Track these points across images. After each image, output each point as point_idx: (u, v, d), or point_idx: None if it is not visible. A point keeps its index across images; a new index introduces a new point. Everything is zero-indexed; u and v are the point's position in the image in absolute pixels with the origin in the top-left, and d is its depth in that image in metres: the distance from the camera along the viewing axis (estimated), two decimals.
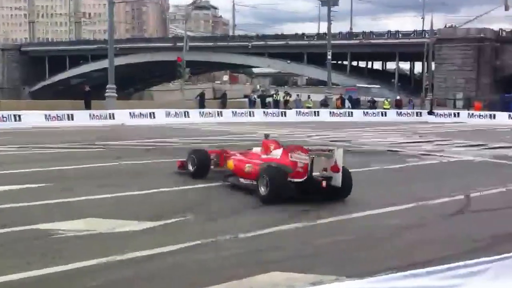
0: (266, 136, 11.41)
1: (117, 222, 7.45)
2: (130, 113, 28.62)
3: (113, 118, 27.58)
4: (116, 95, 31.61)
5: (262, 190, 9.04)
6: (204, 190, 10.02)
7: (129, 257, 5.95)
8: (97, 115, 27.49)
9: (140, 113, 28.98)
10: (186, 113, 30.96)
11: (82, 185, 10.18)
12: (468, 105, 50.45)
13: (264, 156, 10.18)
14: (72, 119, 26.42)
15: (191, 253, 6.22)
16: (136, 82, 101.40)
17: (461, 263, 4.05)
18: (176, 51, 55.67)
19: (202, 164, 11.05)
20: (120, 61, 79.40)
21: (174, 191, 9.91)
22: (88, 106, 30.49)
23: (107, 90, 30.93)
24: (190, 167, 11.18)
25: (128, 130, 24.37)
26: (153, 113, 29.43)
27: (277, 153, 9.89)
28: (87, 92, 32.42)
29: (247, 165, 10.11)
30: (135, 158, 14.26)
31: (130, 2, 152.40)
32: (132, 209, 8.39)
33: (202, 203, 9.00)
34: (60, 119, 26.10)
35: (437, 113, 39.35)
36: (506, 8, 47.86)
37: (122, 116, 27.98)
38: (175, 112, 30.52)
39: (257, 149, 10.76)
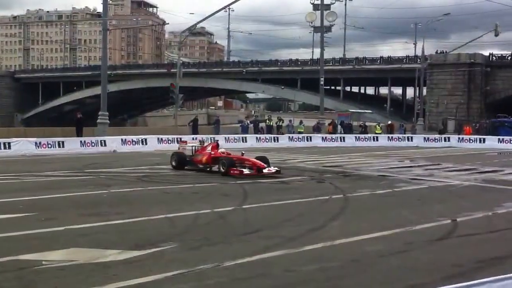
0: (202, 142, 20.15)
1: (100, 252, 7.40)
2: (122, 139, 28.50)
3: (105, 145, 27.47)
4: (108, 121, 31.57)
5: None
6: (191, 217, 9.99)
7: None
8: (88, 142, 27.32)
9: (132, 139, 28.86)
10: (179, 139, 30.88)
11: (67, 214, 10.13)
12: (458, 130, 50.81)
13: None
14: (63, 147, 26.22)
15: (174, 283, 6.19)
16: (130, 108, 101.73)
17: None
18: (170, 77, 55.91)
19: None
20: (115, 87, 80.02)
21: (160, 219, 9.86)
22: (79, 133, 30.45)
23: (99, 117, 30.91)
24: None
25: (120, 157, 24.29)
26: (145, 139, 29.31)
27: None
28: (79, 119, 32.41)
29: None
30: (124, 186, 14.24)
31: (125, 29, 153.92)
32: (116, 238, 8.34)
33: (187, 231, 8.96)
34: (51, 147, 25.86)
35: (428, 137, 39.54)
36: (496, 34, 48.42)
37: (114, 143, 27.87)
38: (167, 139, 30.45)
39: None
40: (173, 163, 18.83)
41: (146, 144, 28.93)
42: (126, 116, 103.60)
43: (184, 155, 18.98)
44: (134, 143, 28.65)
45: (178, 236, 8.52)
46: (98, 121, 30.87)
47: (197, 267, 6.71)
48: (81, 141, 27.45)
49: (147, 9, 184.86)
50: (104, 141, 27.91)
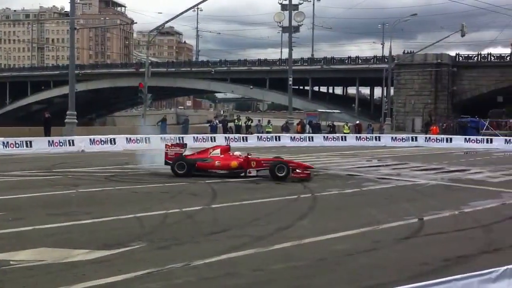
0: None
1: (68, 251, 7.34)
2: (90, 139, 28.16)
3: (73, 145, 27.11)
4: (76, 121, 31.20)
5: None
6: (159, 217, 9.96)
7: None
8: (56, 142, 26.92)
9: (101, 139, 28.54)
10: (147, 139, 30.68)
11: (35, 214, 10.03)
12: (426, 129, 51.61)
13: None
14: (31, 146, 25.79)
15: (143, 282, 6.17)
16: (98, 108, 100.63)
17: (406, 287, 4.13)
18: (139, 76, 55.50)
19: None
20: (83, 86, 78.99)
21: (129, 218, 9.82)
22: (47, 133, 30.01)
23: (67, 116, 30.52)
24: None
25: (88, 157, 24.02)
26: (114, 139, 29.01)
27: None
28: (47, 119, 31.93)
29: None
30: (93, 186, 14.12)
31: (93, 28, 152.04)
32: (85, 238, 8.27)
33: (156, 231, 8.93)
34: (19, 146, 25.41)
35: (396, 137, 40.07)
36: (463, 34, 49.29)
37: (82, 142, 27.53)
38: (136, 138, 30.19)
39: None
40: (178, 170, 16.62)
41: (114, 143, 28.65)
42: (95, 115, 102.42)
43: (192, 160, 16.95)
44: (102, 142, 28.35)
45: (146, 235, 8.49)
46: (66, 120, 30.49)
47: (165, 266, 6.70)
48: (49, 141, 27.04)
49: (115, 8, 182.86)
50: (72, 140, 27.56)
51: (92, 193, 13.04)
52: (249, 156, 17.06)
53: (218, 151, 17.34)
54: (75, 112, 30.77)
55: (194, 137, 33.60)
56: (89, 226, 9.18)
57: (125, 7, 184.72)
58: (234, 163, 16.70)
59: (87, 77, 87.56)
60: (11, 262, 6.75)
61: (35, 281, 6.11)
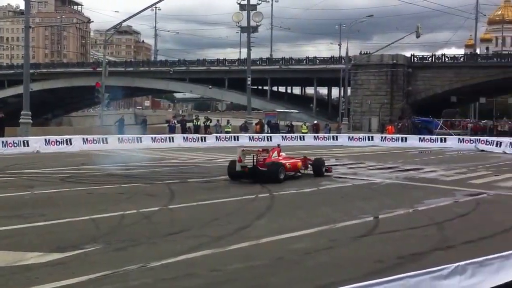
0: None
1: (21, 254, 7.19)
2: (45, 140, 27.56)
3: (28, 146, 26.47)
4: (31, 121, 30.54)
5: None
6: (116, 218, 9.83)
7: None
8: (10, 143, 26.23)
9: (56, 140, 27.95)
10: (105, 139, 30.26)
11: None
12: (382, 129, 52.49)
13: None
14: None
15: (98, 285, 6.09)
16: (54, 108, 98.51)
17: (359, 284, 4.19)
18: (96, 76, 54.61)
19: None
20: (38, 86, 77.26)
21: (84, 220, 9.67)
22: (1, 133, 29.31)
23: (21, 116, 29.87)
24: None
25: (43, 157, 23.53)
26: (70, 139, 28.47)
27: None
28: (1, 119, 31.25)
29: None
30: (48, 187, 13.85)
31: (49, 26, 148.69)
32: (39, 240, 8.11)
33: (112, 232, 8.82)
34: None
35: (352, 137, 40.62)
36: (418, 35, 50.30)
37: (37, 143, 26.91)
38: (93, 139, 29.74)
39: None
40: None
41: (71, 144, 28.13)
42: (51, 116, 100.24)
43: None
44: (58, 143, 27.80)
45: (102, 237, 8.37)
46: (20, 121, 29.86)
47: (121, 268, 6.63)
48: (2, 141, 26.33)
49: (72, 7, 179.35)
50: (27, 141, 26.95)
51: (46, 194, 12.80)
52: (306, 157, 18.27)
53: (276, 153, 16.88)
54: (30, 112, 30.15)
55: (152, 137, 33.33)
56: (43, 228, 9.00)
57: (81, 5, 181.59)
58: (299, 164, 17.40)
59: (43, 77, 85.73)
60: None
61: None
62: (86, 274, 6.35)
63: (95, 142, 29.46)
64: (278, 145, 19.09)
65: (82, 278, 6.21)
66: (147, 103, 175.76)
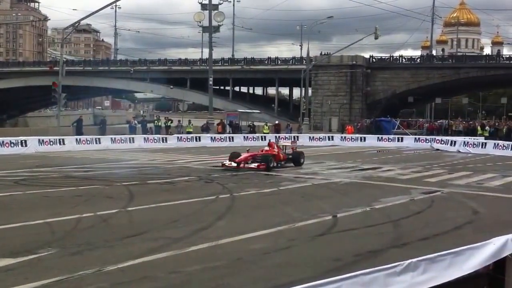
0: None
1: None
2: None
3: None
4: None
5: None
6: (72, 222, 9.63)
7: None
8: None
9: (11, 141, 27.15)
10: (62, 140, 29.64)
11: None
12: (341, 129, 53.11)
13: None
14: None
15: None
16: (10, 108, 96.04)
17: (314, 283, 4.22)
18: (53, 75, 53.35)
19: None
20: None
21: (39, 224, 9.43)
22: None
23: None
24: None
25: None
26: (25, 141, 27.70)
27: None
28: None
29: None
30: (0, 191, 13.40)
31: (4, 24, 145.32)
32: None
33: (68, 236, 8.65)
34: None
35: (313, 137, 40.97)
36: (376, 37, 51.00)
37: None
38: (50, 140, 29.07)
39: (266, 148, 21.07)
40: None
41: (26, 145, 27.40)
42: (6, 116, 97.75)
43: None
44: (12, 145, 27.00)
45: (57, 241, 8.21)
46: None
47: (77, 273, 6.51)
48: None
49: (28, 4, 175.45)
50: None
51: (0, 198, 12.39)
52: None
53: (276, 146, 21.42)
54: None
55: (111, 138, 32.83)
56: None
57: (38, 3, 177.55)
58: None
59: None
60: None
61: None
62: (39, 279, 6.21)
63: (51, 143, 28.81)
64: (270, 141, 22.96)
65: (35, 284, 6.07)
66: (107, 103, 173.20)
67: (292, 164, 21.15)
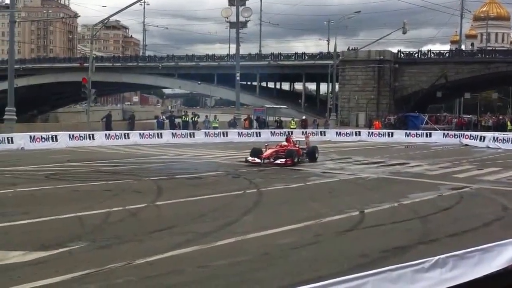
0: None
1: (3, 253, 7.10)
2: (30, 136, 27.29)
3: (12, 142, 26.22)
4: (16, 117, 30.28)
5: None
6: (101, 216, 9.78)
7: None
8: None
9: (42, 136, 27.70)
10: (91, 135, 30.08)
11: None
12: (369, 124, 52.73)
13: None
14: None
15: (81, 283, 6.05)
16: (40, 104, 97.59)
17: (342, 278, 4.22)
18: (83, 71, 54.03)
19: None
20: (24, 82, 76.59)
21: (69, 218, 9.58)
22: None
23: (6, 113, 29.62)
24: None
25: (28, 154, 23.33)
26: (56, 136, 28.21)
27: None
28: None
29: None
30: (32, 185, 13.68)
31: (35, 21, 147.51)
32: (21, 239, 8.03)
33: (97, 230, 8.76)
34: None
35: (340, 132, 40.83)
36: (404, 32, 50.42)
37: (22, 139, 26.67)
38: (80, 135, 29.53)
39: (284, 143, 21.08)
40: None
41: (56, 141, 27.90)
42: (36, 112, 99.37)
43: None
44: (43, 140, 27.55)
45: (87, 235, 8.32)
46: (5, 117, 29.63)
47: (106, 266, 6.59)
48: None
49: (59, 1, 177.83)
50: (11, 138, 26.68)
51: (30, 192, 12.64)
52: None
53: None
54: (15, 109, 29.92)
55: (140, 133, 33.21)
56: (26, 226, 8.91)
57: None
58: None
59: (28, 72, 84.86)
60: None
61: None
62: (69, 272, 6.30)
63: (81, 138, 29.27)
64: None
65: (65, 277, 6.16)
66: (136, 98, 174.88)
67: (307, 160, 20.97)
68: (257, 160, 19.43)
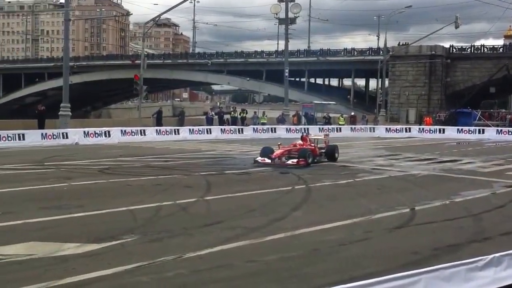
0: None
1: (59, 245, 7.30)
2: (84, 132, 28.05)
3: (67, 138, 27.02)
4: (70, 113, 31.12)
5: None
6: (152, 210, 9.95)
7: (68, 282, 5.86)
8: (49, 135, 26.81)
9: (95, 132, 28.43)
10: (143, 131, 30.65)
11: (26, 208, 9.97)
12: (419, 121, 51.74)
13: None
14: (23, 139, 25.62)
15: (133, 275, 6.17)
16: (94, 100, 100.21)
17: (393, 275, 4.18)
18: (135, 68, 55.10)
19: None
20: (78, 79, 78.67)
21: (122, 211, 9.79)
22: (41, 126, 29.89)
23: (61, 109, 30.45)
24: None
25: (82, 149, 23.97)
26: (108, 131, 28.91)
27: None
28: (41, 111, 31.86)
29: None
30: (86, 179, 14.05)
31: (89, 19, 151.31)
32: (76, 231, 8.23)
33: (148, 224, 8.91)
34: (11, 139, 25.16)
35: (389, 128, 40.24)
36: (457, 26, 49.19)
37: (76, 135, 27.45)
38: (131, 131, 30.14)
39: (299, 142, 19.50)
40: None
41: (109, 136, 28.58)
42: (90, 108, 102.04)
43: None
44: (97, 135, 28.27)
45: (139, 228, 8.48)
46: (60, 113, 30.39)
47: (157, 259, 6.70)
48: (42, 134, 26.93)
49: None
50: (66, 133, 27.48)
51: (84, 186, 12.99)
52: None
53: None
54: (69, 105, 30.70)
55: (190, 129, 33.61)
56: (80, 219, 9.14)
57: None
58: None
59: (82, 69, 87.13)
60: (1, 256, 6.73)
61: (24, 276, 6.09)
62: (122, 265, 6.43)
63: (133, 134, 29.87)
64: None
65: (118, 269, 6.29)
66: (185, 95, 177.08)
67: (326, 160, 19.54)
68: (267, 161, 18.01)
